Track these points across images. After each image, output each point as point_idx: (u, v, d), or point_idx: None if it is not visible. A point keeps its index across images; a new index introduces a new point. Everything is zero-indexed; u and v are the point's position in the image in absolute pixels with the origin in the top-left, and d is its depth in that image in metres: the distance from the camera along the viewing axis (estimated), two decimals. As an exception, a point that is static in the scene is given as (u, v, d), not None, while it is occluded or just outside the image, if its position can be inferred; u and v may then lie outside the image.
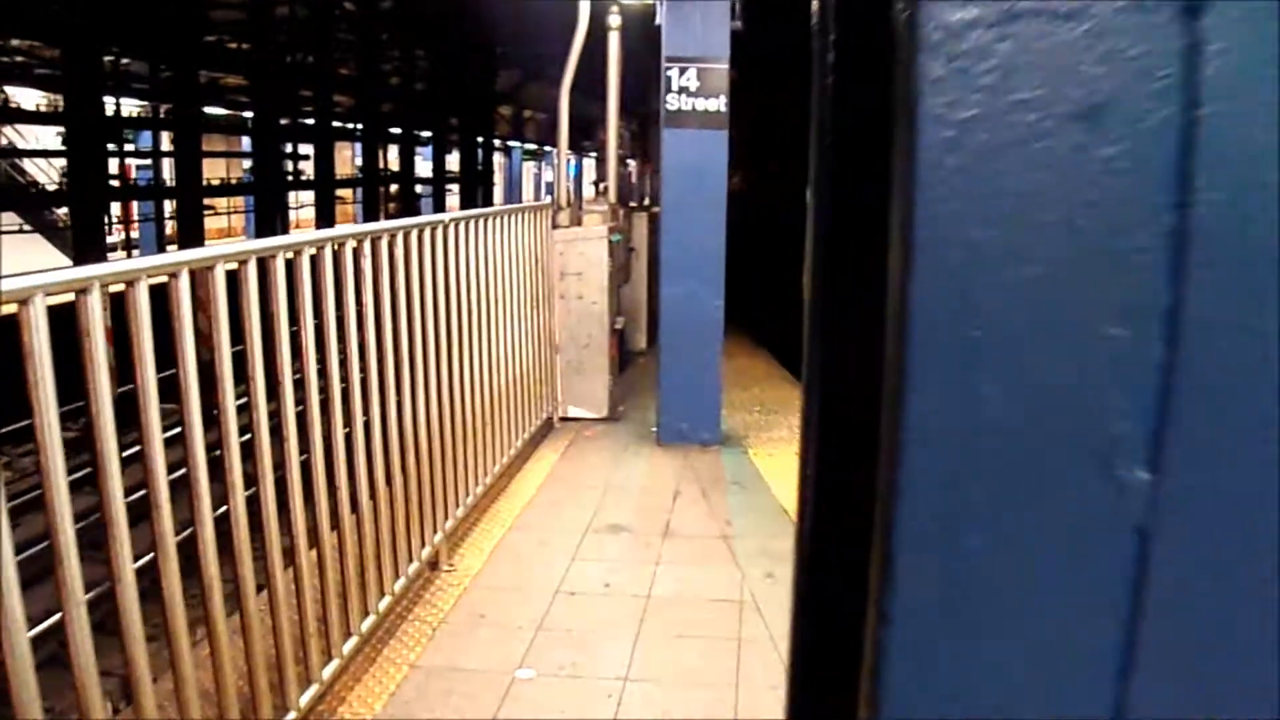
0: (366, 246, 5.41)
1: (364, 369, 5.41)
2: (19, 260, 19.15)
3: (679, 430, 9.54)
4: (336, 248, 5.14)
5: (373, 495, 5.52)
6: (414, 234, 6.11)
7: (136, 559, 3.48)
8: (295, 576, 4.67)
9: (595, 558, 7.02)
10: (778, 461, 9.15)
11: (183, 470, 3.84)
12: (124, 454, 3.38)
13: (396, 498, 5.85)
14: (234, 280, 4.13)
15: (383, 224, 5.88)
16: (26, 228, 23.26)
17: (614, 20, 10.88)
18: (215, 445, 3.99)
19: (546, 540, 7.24)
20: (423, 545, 6.29)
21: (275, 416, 4.48)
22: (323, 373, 5.00)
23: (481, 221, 7.59)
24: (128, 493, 3.39)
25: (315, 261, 4.82)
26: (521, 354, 8.84)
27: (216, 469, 3.97)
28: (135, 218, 30.05)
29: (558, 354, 10.22)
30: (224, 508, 4.05)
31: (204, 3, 22.73)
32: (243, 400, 4.16)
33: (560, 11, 10.64)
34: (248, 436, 4.26)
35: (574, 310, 10.31)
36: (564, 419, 10.34)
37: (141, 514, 3.50)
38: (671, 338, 9.48)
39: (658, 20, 9.41)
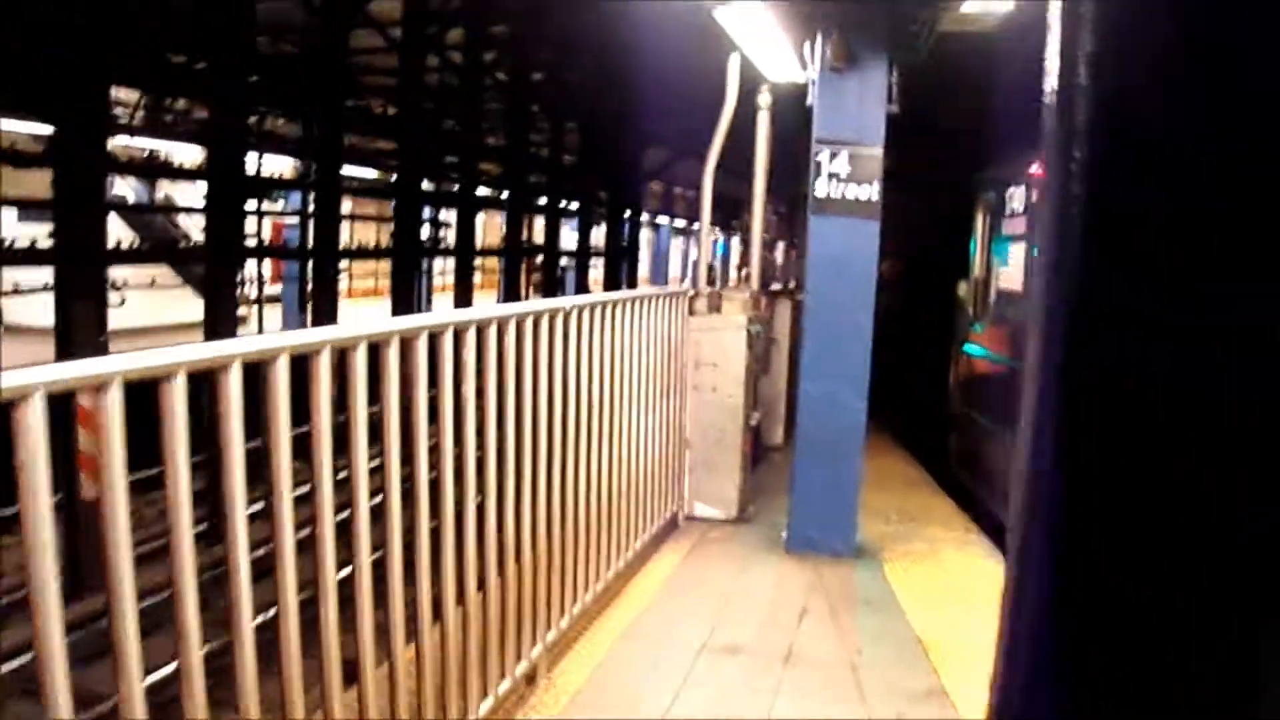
0: (489, 332, 4.97)
1: (464, 458, 4.94)
2: (168, 310, 19.33)
3: (809, 538, 8.91)
4: (456, 332, 4.72)
5: (461, 600, 5.00)
6: (537, 319, 5.65)
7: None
8: (360, 697, 4.15)
9: (709, 682, 6.40)
10: (914, 580, 8.47)
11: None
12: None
13: (492, 602, 5.31)
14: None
15: (505, 308, 5.45)
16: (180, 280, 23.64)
17: (764, 99, 10.44)
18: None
19: (657, 658, 6.62)
20: (519, 659, 5.73)
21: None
22: (420, 457, 4.54)
23: (613, 307, 7.09)
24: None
25: (434, 343, 4.57)
26: (649, 448, 8.29)
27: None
28: (267, 276, 30.40)
29: (687, 449, 9.64)
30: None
31: (353, 67, 22.79)
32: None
33: (713, 89, 10.20)
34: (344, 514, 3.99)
35: (707, 402, 9.75)
36: (690, 518, 9.75)
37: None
38: (808, 439, 8.89)
39: (809, 100, 8.90)
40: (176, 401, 3.12)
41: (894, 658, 6.89)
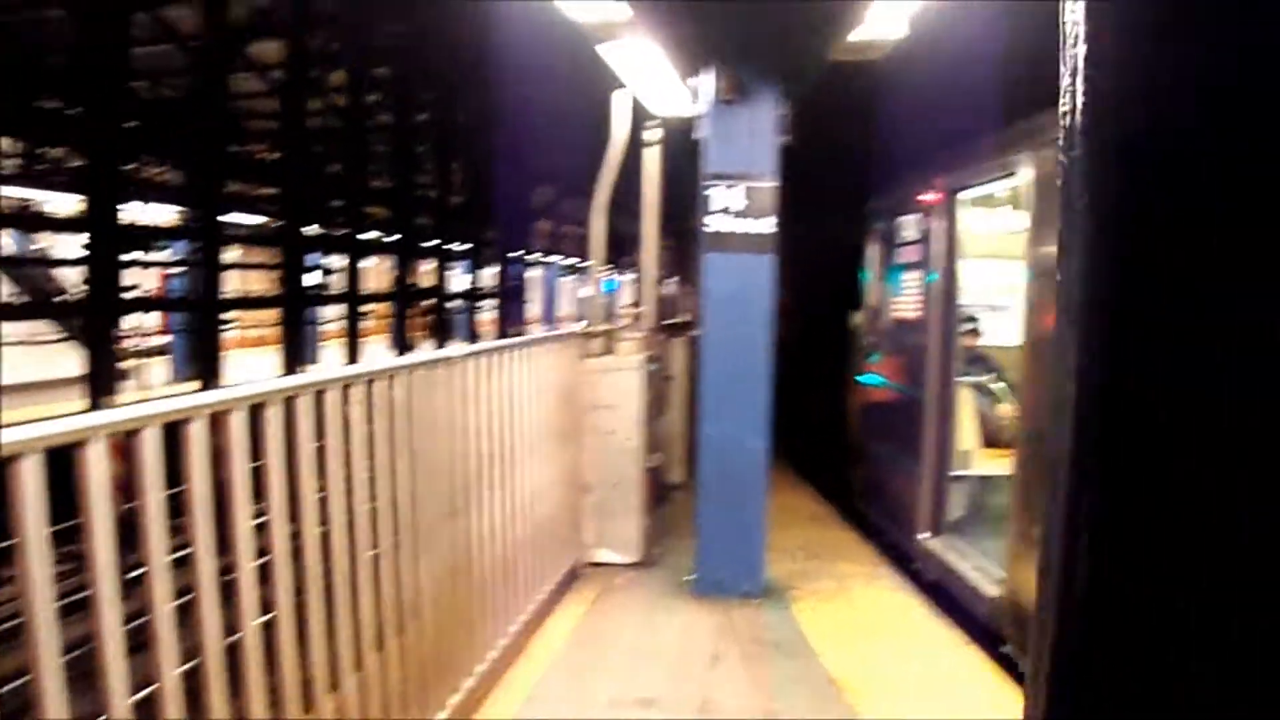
0: (378, 386, 4.72)
1: (352, 520, 4.67)
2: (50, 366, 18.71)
3: (716, 581, 8.72)
4: (335, 390, 4.55)
5: (359, 665, 4.72)
6: (429, 369, 5.40)
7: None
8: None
9: (622, 742, 6.18)
10: (825, 619, 8.30)
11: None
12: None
13: (392, 666, 5.04)
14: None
15: (393, 361, 5.18)
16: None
17: (652, 134, 10.25)
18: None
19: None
20: (422, 731, 5.45)
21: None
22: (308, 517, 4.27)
23: (504, 354, 6.85)
24: None
25: (316, 403, 4.35)
26: (548, 495, 8.05)
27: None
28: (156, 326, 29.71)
29: (587, 494, 9.40)
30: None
31: (234, 111, 22.40)
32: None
33: (601, 125, 10.02)
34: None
35: (606, 446, 9.52)
36: (593, 564, 9.50)
37: None
38: (710, 481, 8.71)
39: (699, 133, 8.74)
40: (27, 487, 2.84)
41: (809, 702, 6.70)
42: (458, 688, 5.92)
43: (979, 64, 10.02)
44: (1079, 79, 0.99)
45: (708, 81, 8.54)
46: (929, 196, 10.20)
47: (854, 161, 13.69)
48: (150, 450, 3.32)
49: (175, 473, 3.47)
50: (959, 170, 9.68)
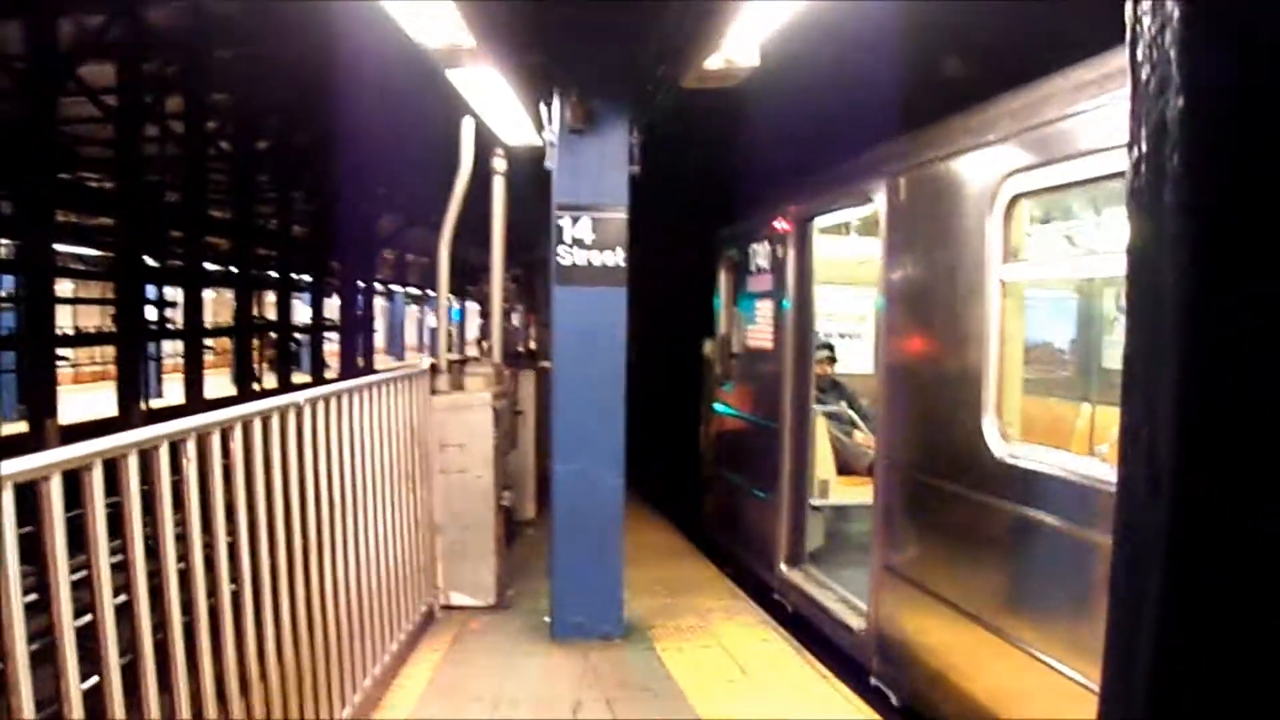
0: (212, 439, 4.41)
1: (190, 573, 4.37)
2: None
3: (575, 624, 8.48)
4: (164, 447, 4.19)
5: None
6: (265, 419, 5.10)
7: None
8: None
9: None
10: (689, 658, 8.11)
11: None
12: None
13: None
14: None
15: (223, 414, 4.84)
16: None
17: (499, 164, 10.01)
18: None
19: (424, 778, 6.08)
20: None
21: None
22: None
23: (347, 396, 6.54)
24: None
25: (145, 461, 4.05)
26: (397, 540, 7.72)
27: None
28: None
29: (439, 535, 9.10)
30: None
31: (65, 137, 21.70)
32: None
33: (446, 154, 9.76)
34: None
35: (456, 485, 9.23)
36: (447, 607, 9.19)
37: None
38: (565, 521, 8.49)
39: (548, 163, 8.53)
40: None
41: (678, 749, 6.50)
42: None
43: (830, 92, 9.97)
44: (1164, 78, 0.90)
45: (557, 110, 8.33)
46: (782, 224, 10.11)
47: (705, 189, 13.62)
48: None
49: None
50: (812, 198, 9.62)
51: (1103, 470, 5.46)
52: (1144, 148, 0.90)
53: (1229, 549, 0.91)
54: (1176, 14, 0.85)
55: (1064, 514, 5.66)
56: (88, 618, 3.62)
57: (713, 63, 7.23)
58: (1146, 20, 0.89)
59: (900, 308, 7.74)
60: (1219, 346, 0.88)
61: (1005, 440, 6.31)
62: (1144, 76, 0.90)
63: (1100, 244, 8.01)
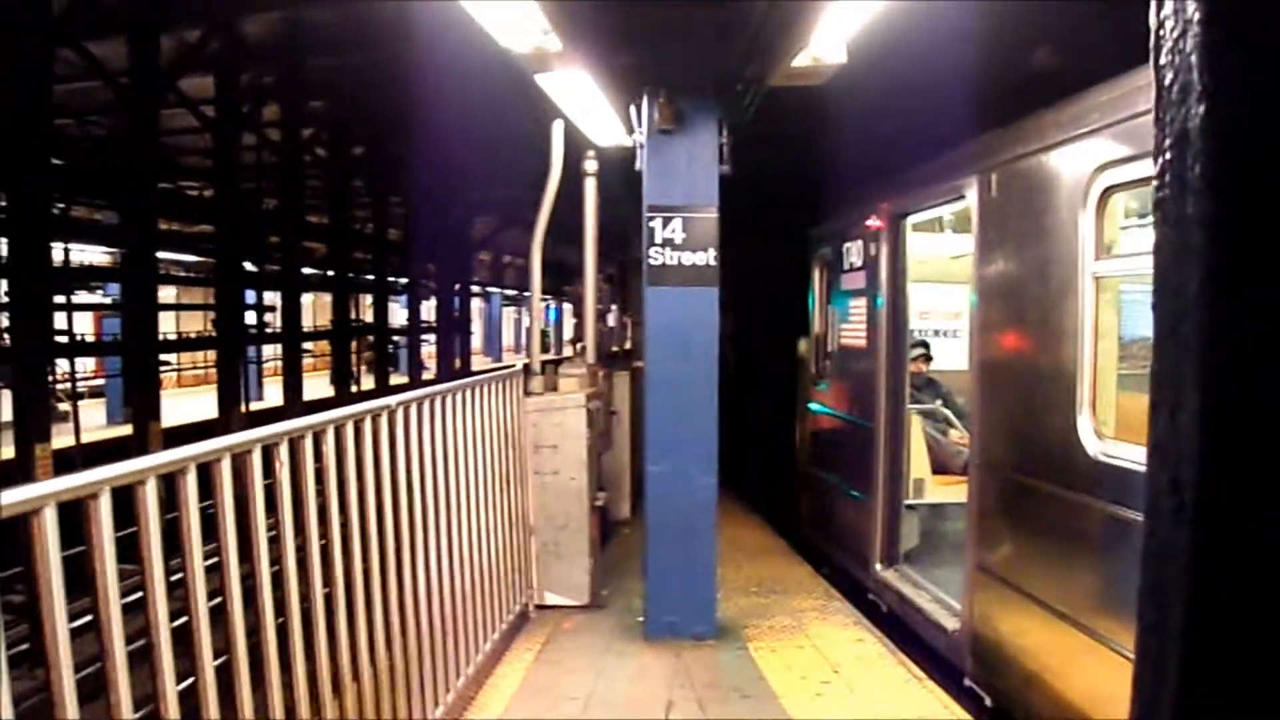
0: (305, 443, 4.47)
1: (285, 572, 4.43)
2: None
3: (668, 624, 8.48)
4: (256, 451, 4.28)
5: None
6: (359, 423, 5.16)
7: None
8: None
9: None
10: (782, 659, 8.08)
11: None
12: None
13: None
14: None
15: (314, 419, 4.89)
16: None
17: (590, 165, 10.04)
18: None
19: (517, 777, 6.12)
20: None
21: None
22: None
23: (442, 399, 6.60)
24: None
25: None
26: (493, 541, 7.79)
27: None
28: (91, 369, 29.28)
29: (533, 536, 9.15)
30: None
31: (165, 148, 22.06)
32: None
33: (540, 156, 9.80)
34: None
35: (550, 486, 9.27)
36: (541, 607, 9.24)
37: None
38: (659, 521, 8.49)
39: (638, 165, 8.55)
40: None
41: (769, 751, 6.48)
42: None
43: (922, 87, 9.87)
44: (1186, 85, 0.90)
45: (645, 111, 8.35)
46: (874, 221, 10.05)
47: (795, 188, 13.55)
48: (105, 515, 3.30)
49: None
50: (904, 195, 9.56)
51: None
52: (1168, 157, 0.88)
53: (1255, 570, 0.89)
54: (1197, 18, 0.83)
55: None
56: (184, 619, 3.69)
57: (800, 61, 7.20)
58: (1169, 24, 0.87)
59: (993, 304, 7.67)
60: (1242, 362, 0.87)
61: (1099, 438, 6.23)
62: (1167, 82, 0.88)
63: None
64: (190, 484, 3.78)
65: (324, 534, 4.85)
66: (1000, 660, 7.41)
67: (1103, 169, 6.18)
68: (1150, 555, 0.96)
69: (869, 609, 9.67)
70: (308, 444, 4.67)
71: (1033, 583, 6.93)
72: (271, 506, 4.37)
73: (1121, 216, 6.64)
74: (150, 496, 3.53)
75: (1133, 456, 5.94)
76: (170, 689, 3.52)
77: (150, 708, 3.45)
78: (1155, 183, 0.92)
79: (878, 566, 9.95)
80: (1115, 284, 6.54)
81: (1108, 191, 6.22)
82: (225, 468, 4.02)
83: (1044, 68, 9.58)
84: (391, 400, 5.79)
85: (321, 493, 4.86)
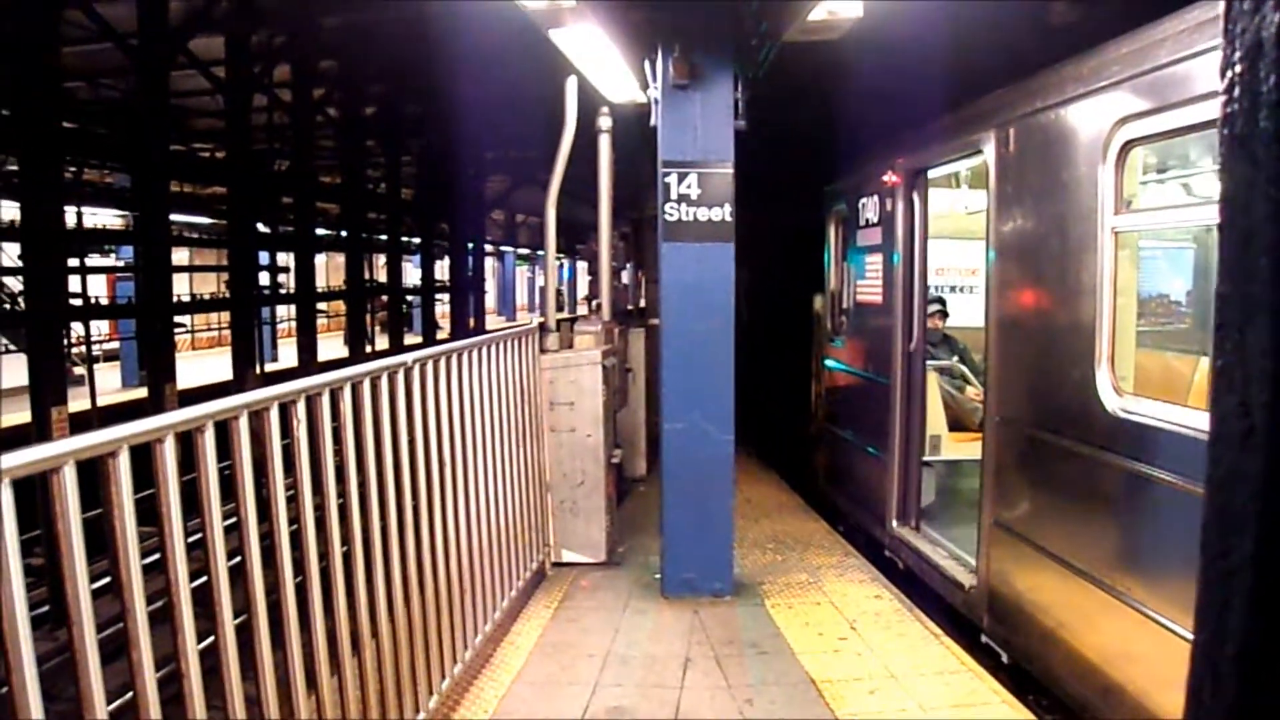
0: (321, 400, 4.46)
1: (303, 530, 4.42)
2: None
3: (685, 580, 8.49)
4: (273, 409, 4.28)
5: (313, 686, 4.47)
6: (375, 380, 5.15)
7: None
8: None
9: (594, 755, 5.94)
10: (799, 615, 8.09)
11: None
12: None
13: (350, 686, 4.77)
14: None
15: (340, 374, 4.88)
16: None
17: (604, 122, 10.00)
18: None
19: (537, 734, 6.12)
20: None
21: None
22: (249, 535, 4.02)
23: (459, 356, 6.59)
24: None
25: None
26: (510, 498, 7.79)
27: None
28: (105, 332, 29.33)
29: (549, 493, 9.16)
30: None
31: (177, 110, 21.99)
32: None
33: (550, 114, 9.75)
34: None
35: (566, 443, 9.28)
36: (557, 564, 9.26)
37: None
38: (675, 478, 8.47)
39: (653, 120, 8.49)
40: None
41: (788, 705, 6.48)
42: (420, 708, 5.65)
43: (939, 41, 9.80)
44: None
45: (660, 66, 8.29)
46: (890, 177, 10.00)
47: (811, 143, 13.48)
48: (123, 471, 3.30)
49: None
50: (921, 150, 9.50)
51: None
52: (1237, 70, 0.86)
53: None
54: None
55: (1179, 469, 5.55)
56: (203, 579, 3.68)
57: (816, 14, 7.15)
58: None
59: (1010, 260, 7.62)
60: None
61: (1118, 394, 6.19)
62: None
63: (1211, 192, 7.81)
64: (209, 441, 3.77)
65: (341, 492, 4.84)
66: (1017, 616, 7.41)
67: (1123, 122, 6.13)
68: (1216, 483, 0.94)
69: (885, 566, 9.67)
70: (325, 401, 4.65)
71: (1049, 539, 6.92)
72: (289, 466, 4.36)
73: (1141, 172, 6.59)
74: (169, 454, 3.53)
75: (1152, 412, 5.91)
76: (191, 647, 3.52)
77: (170, 667, 3.44)
78: (1223, 97, 0.89)
79: (894, 523, 9.94)
80: (1134, 239, 6.50)
81: (1128, 145, 6.17)
82: (243, 425, 4.01)
83: (1063, 19, 9.49)
84: (408, 357, 5.77)
85: (339, 451, 4.85)
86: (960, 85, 8.81)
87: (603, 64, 8.70)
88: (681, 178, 8.24)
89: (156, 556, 3.44)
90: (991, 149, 7.78)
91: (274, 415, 4.23)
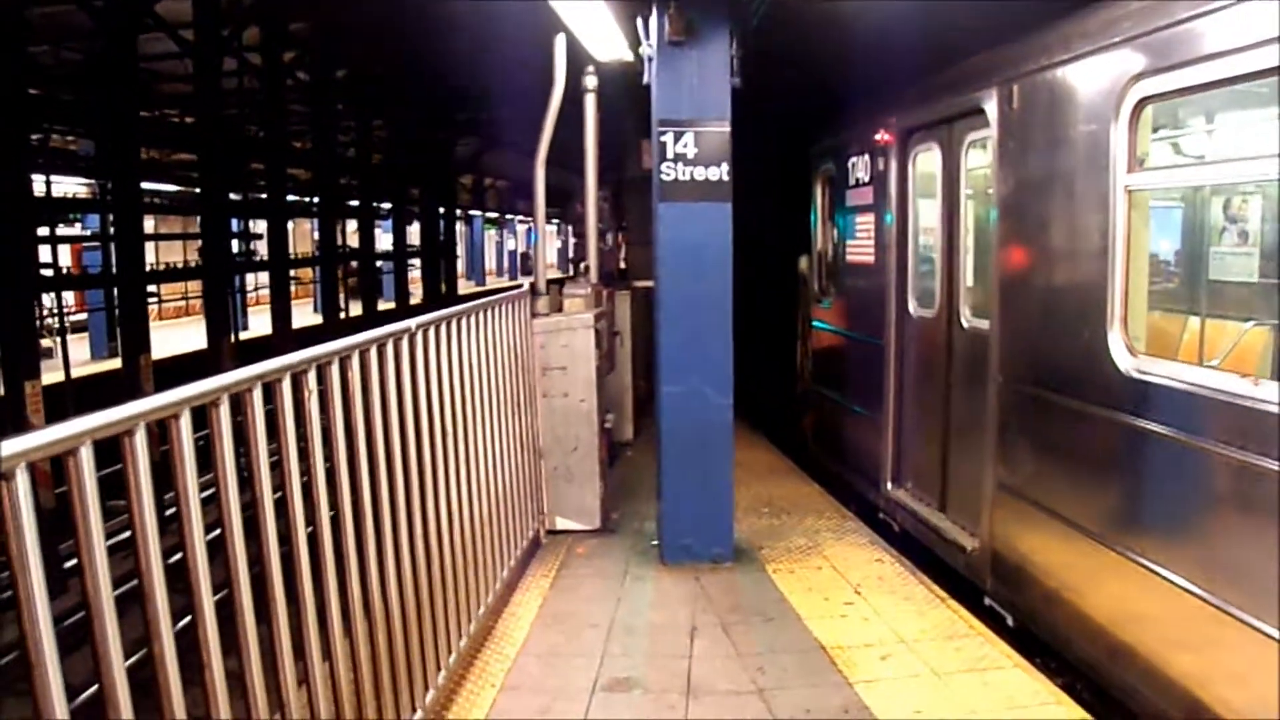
0: (308, 376, 4.29)
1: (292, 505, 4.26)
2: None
3: (685, 547, 8.38)
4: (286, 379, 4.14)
5: (328, 655, 4.34)
6: (364, 352, 4.95)
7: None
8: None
9: (610, 729, 5.82)
10: (802, 580, 7.99)
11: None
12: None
13: (360, 661, 4.62)
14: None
15: (334, 345, 4.68)
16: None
17: (590, 81, 9.80)
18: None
19: (547, 707, 5.99)
20: (396, 729, 5.04)
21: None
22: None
23: (452, 322, 6.42)
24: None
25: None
26: (506, 467, 7.64)
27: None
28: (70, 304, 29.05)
29: (543, 460, 9.02)
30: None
31: (145, 74, 21.66)
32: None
33: (521, 75, 9.56)
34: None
35: (558, 409, 9.13)
36: (552, 532, 9.13)
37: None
38: (673, 443, 8.36)
39: (646, 79, 8.32)
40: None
41: (800, 673, 6.38)
42: (429, 685, 5.51)
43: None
44: None
45: (655, 22, 8.11)
46: (883, 136, 9.86)
47: (796, 101, 13.31)
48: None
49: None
50: (916, 108, 9.35)
51: (1243, 386, 5.24)
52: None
53: None
54: None
55: (1198, 431, 5.46)
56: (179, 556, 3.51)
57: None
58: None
59: (1015, 220, 7.49)
60: None
61: (1132, 354, 6.09)
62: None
63: (1212, 151, 7.70)
64: (224, 415, 3.61)
65: (333, 463, 4.66)
66: (1023, 579, 7.33)
67: (1137, 79, 5.99)
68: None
69: (881, 529, 9.58)
70: (335, 371, 4.50)
71: (1058, 500, 6.83)
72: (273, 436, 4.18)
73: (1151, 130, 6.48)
74: (185, 431, 3.39)
75: (1168, 373, 5.82)
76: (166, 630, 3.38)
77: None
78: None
79: (889, 485, 9.86)
80: (1147, 198, 6.38)
81: (1142, 103, 6.04)
82: (257, 397, 3.86)
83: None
84: (412, 323, 5.60)
85: (326, 424, 4.66)
86: (957, 41, 8.66)
87: (592, 20, 8.53)
88: (678, 136, 8.08)
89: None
90: (994, 106, 7.64)
91: (286, 386, 4.07)
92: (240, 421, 3.77)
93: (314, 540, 4.25)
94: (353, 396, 4.68)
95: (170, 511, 3.40)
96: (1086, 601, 6.52)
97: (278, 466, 3.98)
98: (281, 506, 4.02)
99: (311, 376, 4.28)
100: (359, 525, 4.69)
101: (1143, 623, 5.96)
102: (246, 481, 3.78)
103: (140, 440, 3.17)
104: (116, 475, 3.15)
